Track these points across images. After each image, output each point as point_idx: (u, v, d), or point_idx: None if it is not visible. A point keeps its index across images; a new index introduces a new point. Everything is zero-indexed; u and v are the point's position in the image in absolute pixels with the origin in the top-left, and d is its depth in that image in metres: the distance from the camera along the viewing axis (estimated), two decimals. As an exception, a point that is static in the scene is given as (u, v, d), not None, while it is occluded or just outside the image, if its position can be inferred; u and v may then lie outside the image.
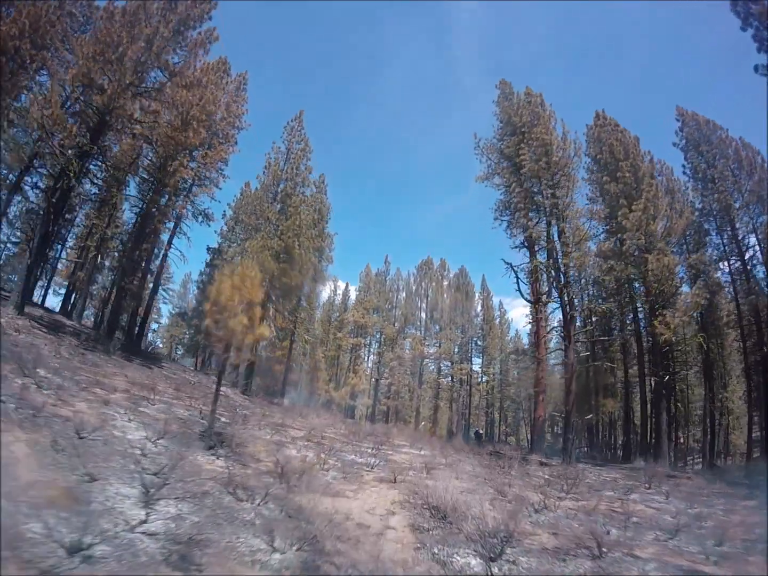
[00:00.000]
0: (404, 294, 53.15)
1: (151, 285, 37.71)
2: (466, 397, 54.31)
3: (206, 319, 11.70)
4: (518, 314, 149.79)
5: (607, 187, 32.79)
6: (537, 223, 29.23)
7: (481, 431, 33.81)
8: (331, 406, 51.76)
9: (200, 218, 39.16)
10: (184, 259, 37.25)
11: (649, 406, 33.94)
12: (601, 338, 35.00)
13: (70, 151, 21.23)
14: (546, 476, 18.70)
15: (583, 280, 35.95)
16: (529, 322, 31.60)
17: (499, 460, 21.24)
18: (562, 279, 26.22)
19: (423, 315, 50.31)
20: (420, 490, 10.59)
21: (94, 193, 31.94)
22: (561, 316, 30.25)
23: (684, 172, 38.81)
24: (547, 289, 31.31)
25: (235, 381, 31.09)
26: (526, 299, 31.54)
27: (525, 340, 55.84)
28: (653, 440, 32.18)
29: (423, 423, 45.67)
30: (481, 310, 55.95)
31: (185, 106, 25.19)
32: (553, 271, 27.63)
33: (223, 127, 36.53)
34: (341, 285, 59.14)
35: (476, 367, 55.59)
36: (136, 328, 33.57)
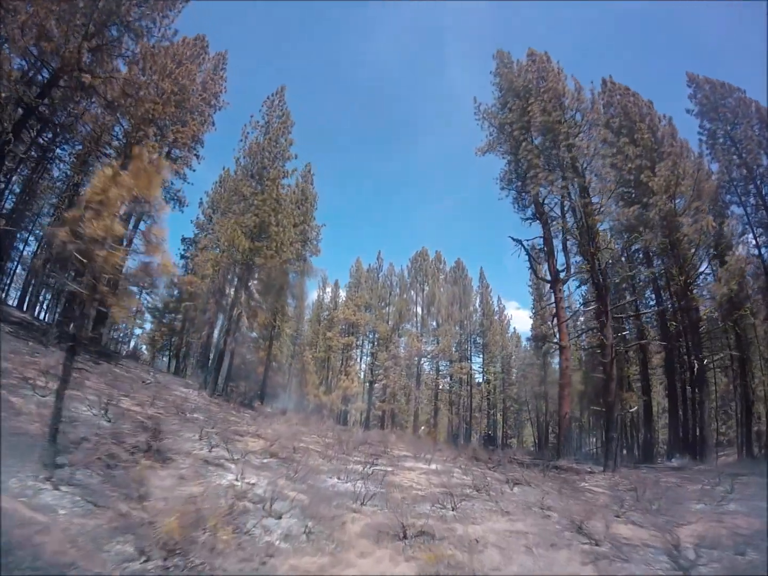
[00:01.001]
0: (398, 290, 47.68)
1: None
2: (466, 399, 48.75)
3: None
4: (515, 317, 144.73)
5: (625, 150, 27.58)
6: (551, 185, 23.72)
7: (491, 433, 28.24)
8: (321, 411, 46.12)
9: (171, 202, 34.02)
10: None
11: (682, 394, 28.61)
12: (644, 312, 28.61)
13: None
14: (604, 491, 13.25)
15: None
16: (546, 305, 25.98)
17: (529, 470, 15.80)
18: (591, 244, 20.82)
19: (419, 310, 44.90)
20: (456, 559, 5.05)
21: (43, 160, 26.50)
22: (575, 297, 24.85)
23: (700, 139, 33.41)
24: (563, 267, 26.05)
25: (203, 382, 25.47)
26: (541, 278, 26.21)
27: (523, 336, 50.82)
28: (685, 435, 27.00)
29: (423, 428, 40.04)
30: (479, 305, 50.55)
31: (155, 74, 21.59)
32: (578, 236, 22.26)
33: (198, 104, 31.65)
34: (331, 284, 53.75)
35: (476, 366, 50.23)
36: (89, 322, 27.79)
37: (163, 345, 43.36)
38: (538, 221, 28.64)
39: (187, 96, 31.72)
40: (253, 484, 8.00)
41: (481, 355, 50.17)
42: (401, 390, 44.90)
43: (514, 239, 28.49)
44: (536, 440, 46.41)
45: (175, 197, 33.77)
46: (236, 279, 26.44)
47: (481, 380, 50.32)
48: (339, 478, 9.88)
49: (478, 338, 50.20)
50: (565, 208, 25.66)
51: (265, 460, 10.39)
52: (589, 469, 20.05)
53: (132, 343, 56.71)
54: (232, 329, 25.50)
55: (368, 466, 12.20)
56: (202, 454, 9.32)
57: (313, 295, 55.47)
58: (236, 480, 7.87)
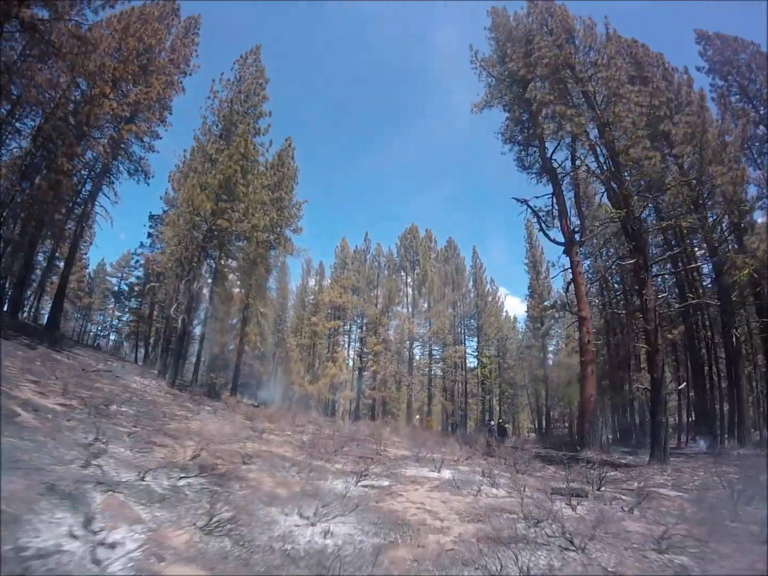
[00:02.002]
0: (386, 272, 43.23)
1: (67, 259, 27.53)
2: (461, 384, 44.59)
3: None
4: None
5: (637, 100, 23.31)
6: (568, 122, 19.40)
7: (505, 424, 23.99)
8: (308, 402, 41.73)
9: (136, 174, 29.44)
10: (109, 218, 26.91)
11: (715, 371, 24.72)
12: (690, 266, 23.87)
13: None
14: (680, 494, 9.05)
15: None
16: (563, 269, 21.80)
17: (559, 466, 11.69)
18: (621, 187, 16.59)
19: (409, 291, 40.51)
20: None
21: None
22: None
23: (711, 98, 29.33)
24: (577, 227, 21.89)
25: (162, 369, 20.98)
26: (554, 241, 21.98)
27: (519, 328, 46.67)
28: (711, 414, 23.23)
29: (416, 416, 35.78)
30: (473, 286, 46.35)
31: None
32: (605, 180, 18.06)
33: (165, 65, 27.63)
34: (315, 267, 49.24)
35: (469, 351, 46.11)
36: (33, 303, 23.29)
37: (130, 332, 38.87)
38: (544, 179, 24.44)
39: (153, 57, 27.26)
40: (112, 546, 3.61)
41: (475, 339, 46.04)
42: (392, 377, 40.70)
43: (518, 200, 24.23)
44: (536, 426, 42.38)
45: (139, 167, 29.17)
46: (199, 249, 21.86)
47: (475, 365, 46.21)
48: (302, 515, 5.50)
49: (472, 321, 46.08)
50: (580, 157, 21.42)
51: (181, 482, 5.99)
52: (630, 462, 16.01)
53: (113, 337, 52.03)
54: (194, 306, 20.96)
55: (354, 481, 7.90)
56: (62, 472, 4.88)
57: (297, 280, 51.15)
58: (73, 536, 3.48)
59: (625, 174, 17.47)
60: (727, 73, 30.04)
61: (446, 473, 9.86)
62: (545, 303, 43.31)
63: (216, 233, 22.63)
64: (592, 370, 19.41)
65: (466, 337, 46.46)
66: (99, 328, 53.71)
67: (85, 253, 47.80)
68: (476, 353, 45.54)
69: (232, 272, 27.39)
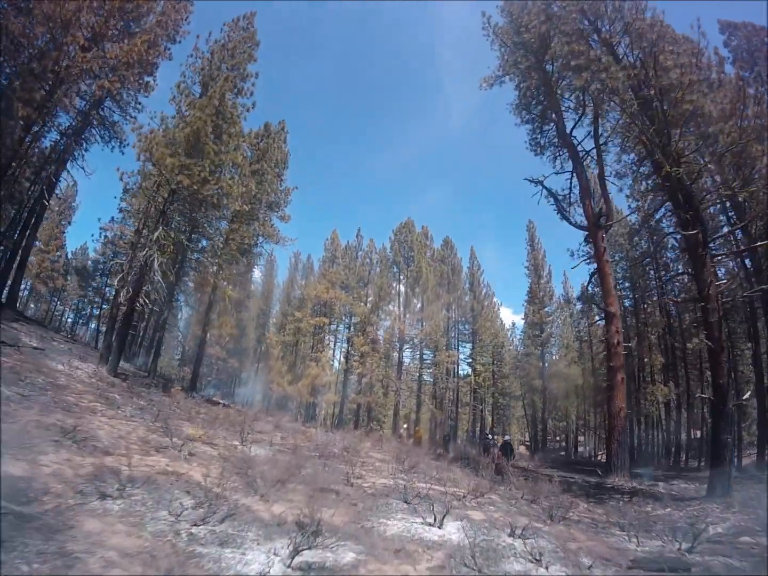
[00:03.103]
0: (378, 269, 39.26)
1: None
2: (452, 392, 40.56)
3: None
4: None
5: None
6: (603, 72, 15.66)
7: (508, 438, 19.82)
8: (287, 404, 37.58)
9: (111, 141, 25.57)
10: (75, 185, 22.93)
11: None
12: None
13: None
14: None
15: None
16: (587, 258, 17.91)
17: (594, 503, 7.83)
18: (669, 145, 12.89)
19: (402, 288, 36.43)
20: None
21: None
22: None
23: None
24: (600, 207, 18.15)
25: (105, 353, 16.95)
26: (575, 225, 18.17)
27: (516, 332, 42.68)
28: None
29: (404, 425, 31.64)
30: (468, 288, 42.44)
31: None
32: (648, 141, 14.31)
33: (152, 27, 23.82)
34: (303, 260, 45.29)
35: (462, 357, 42.11)
36: None
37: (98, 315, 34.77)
38: (561, 158, 20.74)
39: (139, 15, 23.53)
40: None
41: (468, 345, 42.09)
42: (379, 381, 36.67)
43: (532, 180, 20.52)
44: (531, 441, 38.33)
45: (113, 133, 25.27)
46: (158, 213, 17.89)
47: (467, 372, 42.21)
48: None
49: (466, 326, 42.16)
50: (609, 126, 17.69)
51: None
52: (678, 493, 12.18)
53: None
54: (149, 281, 16.92)
55: (288, 552, 3.94)
56: None
57: (285, 275, 47.16)
58: None
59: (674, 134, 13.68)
60: (753, 65, 26.67)
61: (452, 529, 5.92)
62: (561, 299, 39.61)
63: (179, 196, 18.69)
64: (622, 378, 15.55)
65: (460, 342, 42.56)
66: (79, 314, 49.22)
67: (64, 232, 43.80)
68: (470, 360, 41.57)
69: (203, 253, 23.40)
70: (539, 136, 21.80)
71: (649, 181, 24.49)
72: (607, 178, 18.91)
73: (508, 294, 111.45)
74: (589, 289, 22.27)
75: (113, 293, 31.23)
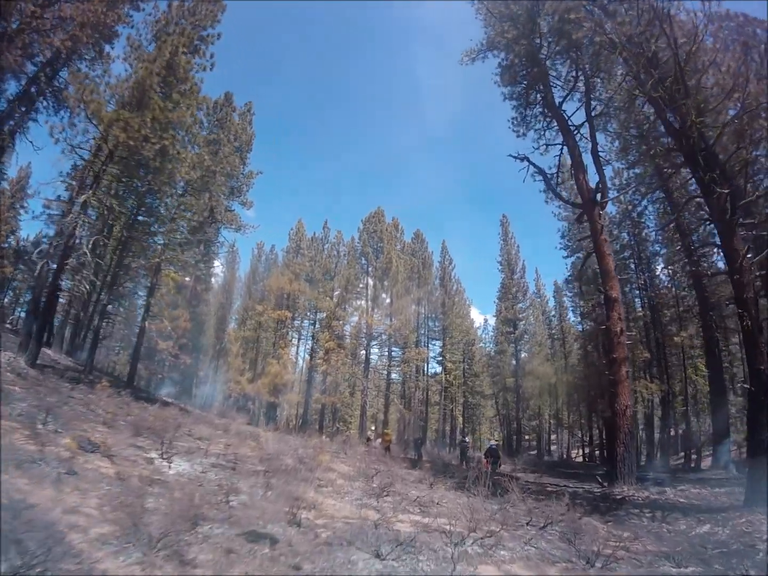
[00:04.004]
0: (346, 261, 36.44)
1: None
2: (421, 392, 37.98)
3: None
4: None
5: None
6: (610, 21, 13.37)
7: (495, 443, 17.17)
8: (246, 403, 34.28)
9: (60, 110, 21.94)
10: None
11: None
12: None
13: None
14: None
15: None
16: (580, 238, 15.56)
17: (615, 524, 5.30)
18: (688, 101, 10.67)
19: (370, 281, 33.68)
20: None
21: None
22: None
23: None
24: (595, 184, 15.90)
25: (25, 341, 13.71)
26: (568, 202, 15.87)
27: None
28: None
29: (372, 428, 28.83)
30: (439, 283, 40.01)
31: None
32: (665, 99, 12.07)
33: None
34: (266, 251, 42.05)
35: (432, 355, 39.55)
36: None
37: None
38: (549, 132, 18.43)
39: None
40: None
41: (438, 342, 39.59)
42: (346, 381, 33.87)
43: (516, 157, 18.07)
44: (504, 441, 36.09)
45: (64, 102, 21.69)
46: (88, 171, 14.78)
47: (436, 371, 39.74)
48: None
49: (436, 323, 39.64)
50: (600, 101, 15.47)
51: None
52: (700, 503, 9.92)
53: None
54: (72, 251, 13.77)
55: None
56: None
57: (248, 267, 43.68)
58: None
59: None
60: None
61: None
62: (533, 295, 37.60)
63: (118, 157, 15.58)
64: (627, 372, 13.25)
65: (430, 339, 40.03)
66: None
67: (18, 216, 39.25)
68: (440, 358, 39.09)
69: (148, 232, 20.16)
70: (525, 110, 19.42)
71: (635, 170, 22.84)
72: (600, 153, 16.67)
73: (475, 293, 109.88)
74: (584, 271, 19.94)
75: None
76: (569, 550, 6.33)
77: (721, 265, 23.59)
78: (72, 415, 10.21)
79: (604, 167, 16.46)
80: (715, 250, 21.53)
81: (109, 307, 26.03)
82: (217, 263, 35.92)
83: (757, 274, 10.30)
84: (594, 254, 15.09)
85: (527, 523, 7.44)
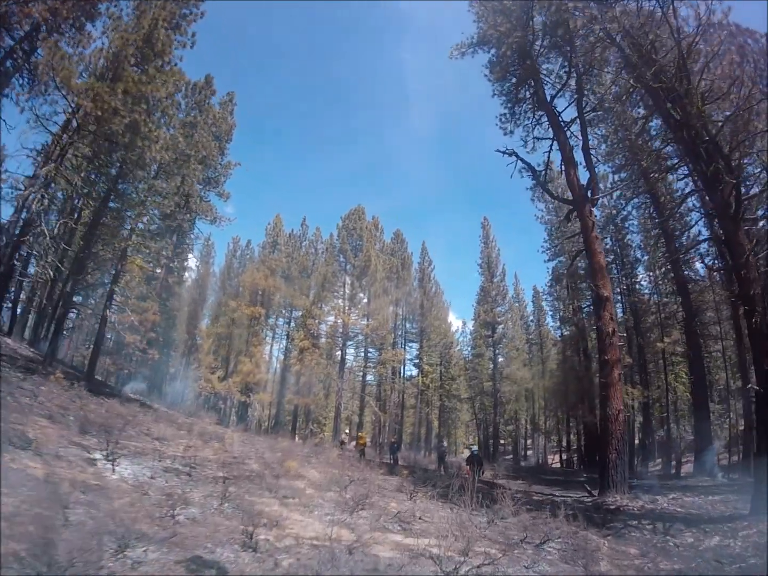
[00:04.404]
0: (324, 258, 35.32)
1: None
2: (397, 394, 36.97)
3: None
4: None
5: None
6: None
7: (474, 448, 16.06)
8: (217, 402, 32.77)
9: (34, 87, 20.39)
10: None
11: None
12: None
13: None
14: None
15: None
16: (570, 236, 14.85)
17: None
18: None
19: (348, 279, 32.50)
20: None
21: None
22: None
23: None
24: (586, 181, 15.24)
25: None
26: (558, 198, 15.18)
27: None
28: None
29: (346, 430, 27.71)
30: (417, 284, 39.14)
31: None
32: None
33: None
34: (242, 246, 40.55)
35: (409, 358, 38.58)
36: None
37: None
38: (539, 128, 17.73)
39: None
40: None
41: (415, 345, 38.67)
42: (321, 382, 32.65)
43: (503, 152, 17.29)
44: (481, 446, 35.29)
45: (35, 76, 20.17)
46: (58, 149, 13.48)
47: (413, 374, 38.81)
48: None
49: (414, 325, 38.72)
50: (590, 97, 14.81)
51: None
52: (701, 512, 9.20)
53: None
54: (31, 228, 12.43)
55: None
56: None
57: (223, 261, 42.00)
58: None
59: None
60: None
61: None
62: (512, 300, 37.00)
63: (86, 130, 14.29)
64: (619, 375, 12.46)
65: (407, 342, 39.05)
66: None
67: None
68: (417, 360, 38.17)
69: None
70: (514, 106, 18.66)
71: (622, 174, 22.33)
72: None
73: (452, 301, 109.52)
74: (574, 269, 19.25)
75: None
76: (575, 571, 5.44)
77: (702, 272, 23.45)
78: (14, 407, 8.97)
79: (594, 165, 15.78)
80: (702, 251, 21.22)
81: (78, 298, 24.44)
82: (191, 258, 34.50)
83: (763, 270, 9.63)
84: (584, 252, 14.34)
85: (522, 540, 6.51)
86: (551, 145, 16.63)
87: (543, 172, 17.36)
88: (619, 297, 26.55)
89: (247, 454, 11.43)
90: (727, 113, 12.08)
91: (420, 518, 6.66)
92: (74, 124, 15.35)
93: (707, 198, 11.77)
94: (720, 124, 10.71)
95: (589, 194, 14.82)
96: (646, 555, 6.74)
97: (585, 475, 20.33)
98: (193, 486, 7.22)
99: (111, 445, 7.98)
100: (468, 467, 12.71)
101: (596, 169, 17.28)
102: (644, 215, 24.53)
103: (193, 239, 31.46)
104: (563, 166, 15.49)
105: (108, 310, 18.54)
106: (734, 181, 9.52)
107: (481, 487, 10.48)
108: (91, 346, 36.73)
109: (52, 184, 18.42)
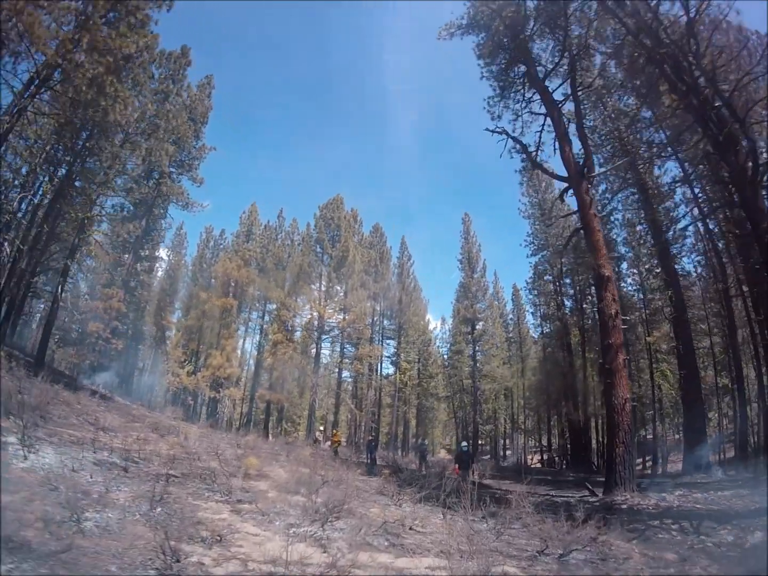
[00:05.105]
0: (300, 249, 33.62)
1: None
2: (374, 392, 35.41)
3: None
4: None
5: None
6: None
7: (466, 446, 14.62)
8: (186, 398, 30.72)
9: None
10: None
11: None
12: None
13: None
14: None
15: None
16: (566, 214, 13.69)
17: None
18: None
19: (324, 271, 30.85)
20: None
21: None
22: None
23: None
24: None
25: None
26: (553, 175, 14.02)
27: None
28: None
29: (320, 428, 26.02)
30: (396, 279, 37.74)
31: None
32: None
33: None
34: (216, 236, 38.52)
35: (386, 355, 37.09)
36: None
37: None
38: (531, 107, 16.54)
39: None
40: None
41: (393, 341, 37.20)
42: (295, 380, 30.93)
43: (494, 131, 16.07)
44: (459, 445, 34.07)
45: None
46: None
47: (390, 371, 37.35)
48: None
49: (391, 322, 37.24)
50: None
51: None
52: (720, 508, 8.08)
53: None
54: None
55: None
56: None
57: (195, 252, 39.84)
58: None
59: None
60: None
61: None
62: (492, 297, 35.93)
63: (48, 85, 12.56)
64: (624, 360, 11.22)
65: (384, 339, 37.54)
66: None
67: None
68: (394, 358, 36.70)
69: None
70: (504, 84, 17.44)
71: (609, 166, 21.40)
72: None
73: (429, 299, 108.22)
74: (566, 252, 18.11)
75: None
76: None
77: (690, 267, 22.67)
78: None
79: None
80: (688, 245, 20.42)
81: (44, 282, 22.36)
82: (162, 249, 32.59)
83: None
84: (582, 231, 13.16)
85: (540, 552, 5.15)
86: (543, 124, 15.52)
87: (534, 153, 16.17)
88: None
89: (206, 449, 9.84)
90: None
91: (411, 528, 5.23)
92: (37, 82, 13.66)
93: (722, 163, 10.64)
94: (734, 84, 9.63)
95: (585, 172, 13.65)
96: (687, 559, 5.51)
97: (572, 474, 19.22)
98: (124, 484, 5.65)
99: (29, 428, 6.37)
100: (457, 466, 11.34)
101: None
102: (631, 208, 23.63)
103: (164, 227, 29.64)
104: (557, 143, 14.30)
105: (61, 288, 16.59)
106: (750, 144, 8.44)
107: (469, 488, 9.12)
108: (59, 339, 34.43)
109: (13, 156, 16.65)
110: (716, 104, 10.06)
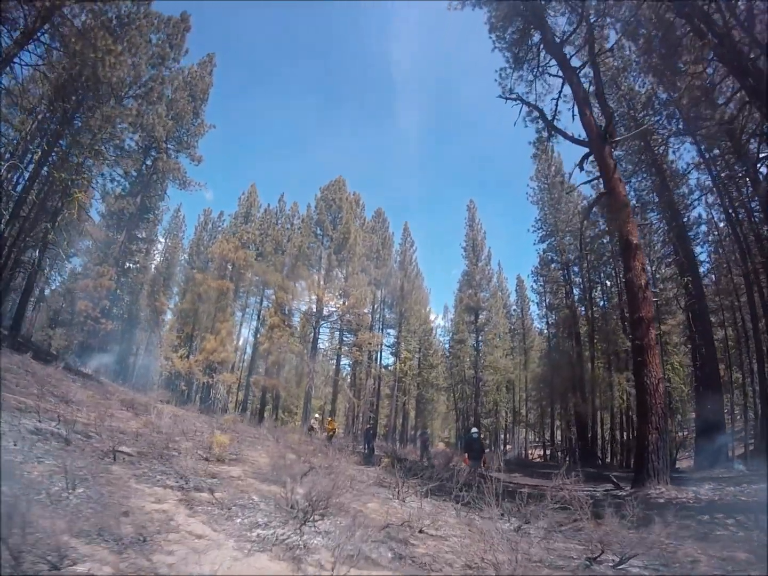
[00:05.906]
0: (300, 231, 32.19)
1: None
2: (373, 381, 34.11)
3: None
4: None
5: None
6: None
7: (476, 433, 13.25)
8: (179, 384, 29.39)
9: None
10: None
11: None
12: None
13: None
14: None
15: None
16: (588, 181, 12.40)
17: None
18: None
19: (324, 254, 29.46)
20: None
21: None
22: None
23: None
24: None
25: None
26: (572, 139, 12.62)
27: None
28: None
29: (317, 415, 24.72)
30: (399, 267, 36.37)
31: None
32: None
33: None
34: (214, 217, 37.17)
35: (386, 344, 35.78)
36: None
37: None
38: (548, 73, 15.19)
39: None
40: None
41: (394, 330, 35.85)
42: (292, 368, 29.71)
43: (508, 98, 14.77)
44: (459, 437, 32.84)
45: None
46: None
47: (390, 361, 36.07)
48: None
49: (393, 308, 35.90)
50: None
51: None
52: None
53: None
54: None
55: None
56: None
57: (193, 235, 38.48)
58: None
59: None
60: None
61: None
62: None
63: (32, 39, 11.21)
64: (654, 337, 9.85)
65: (385, 327, 36.21)
66: None
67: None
68: (394, 348, 35.38)
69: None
70: (518, 52, 16.01)
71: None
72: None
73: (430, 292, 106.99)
74: (586, 223, 16.76)
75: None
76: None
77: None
78: None
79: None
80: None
81: (35, 259, 21.16)
82: (159, 230, 31.45)
83: None
84: (605, 196, 11.80)
85: (592, 560, 3.85)
86: (560, 91, 14.14)
87: (552, 119, 14.81)
88: (615, 279, 24.32)
89: (182, 430, 8.53)
90: None
91: (422, 531, 3.92)
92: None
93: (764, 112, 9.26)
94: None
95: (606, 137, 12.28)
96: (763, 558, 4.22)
97: (580, 468, 17.94)
98: (54, 457, 4.34)
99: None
100: (466, 455, 10.02)
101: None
102: (644, 193, 22.27)
103: (161, 208, 28.42)
104: (577, 108, 12.92)
105: (41, 254, 15.28)
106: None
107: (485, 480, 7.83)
108: (54, 323, 33.27)
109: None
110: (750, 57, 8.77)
